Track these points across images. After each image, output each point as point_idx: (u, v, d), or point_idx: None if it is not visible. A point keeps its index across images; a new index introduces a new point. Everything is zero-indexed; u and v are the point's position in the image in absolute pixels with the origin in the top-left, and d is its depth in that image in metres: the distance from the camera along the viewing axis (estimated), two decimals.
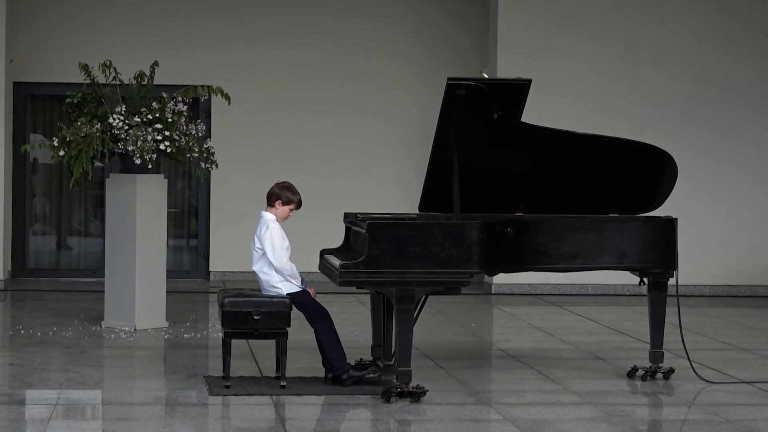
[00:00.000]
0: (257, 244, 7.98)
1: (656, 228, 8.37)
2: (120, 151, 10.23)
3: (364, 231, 7.72)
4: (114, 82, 10.45)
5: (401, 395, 7.56)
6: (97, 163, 10.69)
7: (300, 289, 7.97)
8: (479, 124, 8.15)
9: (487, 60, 14.06)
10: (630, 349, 9.71)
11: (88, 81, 10.44)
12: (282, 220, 8.03)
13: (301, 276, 8.03)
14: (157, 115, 10.25)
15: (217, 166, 10.76)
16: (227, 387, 7.81)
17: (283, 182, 8.14)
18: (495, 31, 13.66)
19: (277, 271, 7.90)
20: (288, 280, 7.93)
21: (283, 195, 8.01)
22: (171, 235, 13.16)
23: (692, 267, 12.65)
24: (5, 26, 13.08)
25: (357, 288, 8.10)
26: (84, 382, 8.16)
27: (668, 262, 8.36)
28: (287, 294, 7.92)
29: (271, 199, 8.03)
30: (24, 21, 13.94)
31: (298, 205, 8.08)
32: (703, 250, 13.48)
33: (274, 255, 7.88)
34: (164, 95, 10.41)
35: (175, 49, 14.01)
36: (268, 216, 8.00)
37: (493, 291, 13.51)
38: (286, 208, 8.02)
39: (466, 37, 14.59)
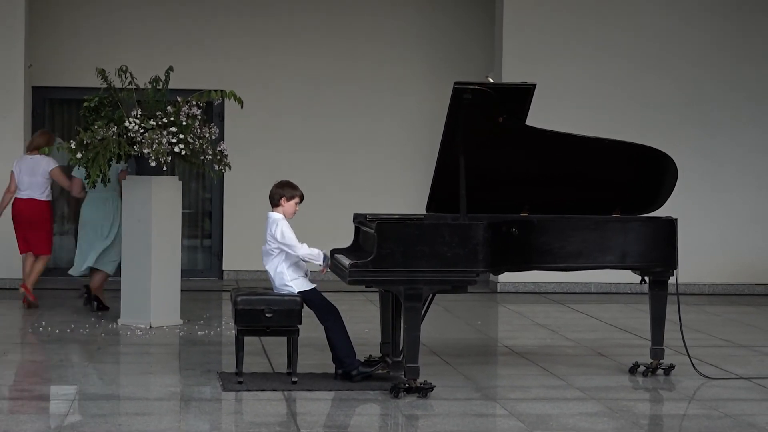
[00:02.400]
0: (269, 244, 8.06)
1: (657, 228, 8.37)
2: (136, 153, 10.25)
3: (373, 231, 7.73)
4: (130, 86, 10.48)
5: (409, 391, 7.61)
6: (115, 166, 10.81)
7: (311, 287, 8.05)
8: (485, 127, 8.16)
9: (492, 65, 14.09)
10: (631, 346, 9.72)
11: (105, 86, 10.48)
12: (290, 216, 8.10)
13: (323, 253, 8.04)
14: (172, 118, 10.29)
15: (230, 168, 10.80)
16: (240, 383, 7.87)
17: (280, 181, 8.20)
18: (500, 37, 13.68)
19: (301, 259, 8.00)
20: (311, 261, 7.98)
21: (285, 192, 8.08)
22: (185, 235, 13.20)
23: (692, 266, 12.63)
24: (25, 33, 13.16)
25: (366, 286, 8.07)
26: (101, 378, 8.20)
27: (669, 261, 8.36)
28: (298, 292, 7.98)
29: (275, 199, 8.09)
30: (43, 28, 14.00)
31: (301, 198, 8.13)
32: (702, 250, 13.50)
33: (292, 246, 7.94)
34: (179, 99, 10.46)
35: (190, 54, 14.06)
36: (276, 215, 8.07)
37: (498, 289, 13.53)
38: (291, 203, 8.07)
39: (472, 42, 14.63)
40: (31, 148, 11.77)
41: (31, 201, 11.67)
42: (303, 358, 8.36)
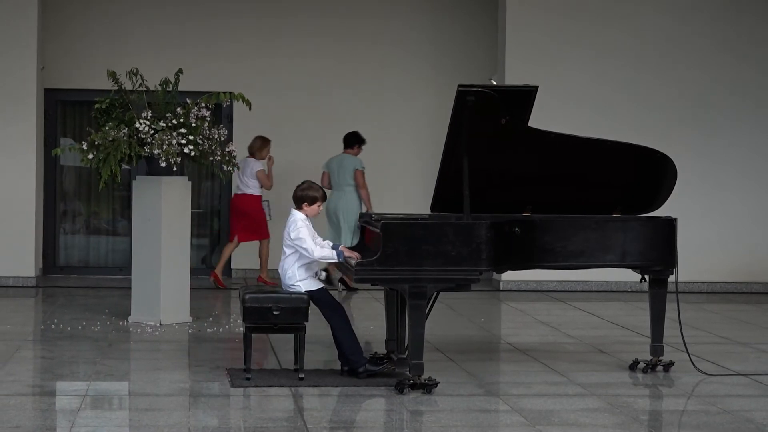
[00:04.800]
0: (285, 241, 8.14)
1: (657, 228, 8.43)
2: (146, 154, 10.30)
3: (378, 230, 7.79)
4: (140, 88, 10.50)
5: (414, 387, 7.68)
6: (125, 166, 10.73)
7: (319, 287, 8.13)
8: (488, 128, 8.20)
9: (496, 68, 14.16)
10: (632, 343, 9.78)
11: (116, 88, 10.49)
12: (313, 216, 8.20)
13: (333, 247, 8.09)
14: (182, 120, 10.34)
15: (238, 168, 10.87)
16: (248, 379, 7.95)
17: (302, 184, 8.28)
18: (504, 41, 13.72)
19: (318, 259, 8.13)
20: (327, 261, 8.16)
21: (306, 196, 8.17)
22: (195, 234, 13.22)
23: (691, 265, 12.74)
24: (37, 36, 13.23)
25: (372, 285, 8.13)
26: (112, 374, 8.25)
27: (668, 260, 8.42)
28: (305, 291, 8.05)
29: (299, 203, 8.17)
30: (55, 31, 14.06)
31: (323, 198, 8.22)
32: (701, 249, 13.55)
33: (307, 249, 8.00)
34: (188, 101, 10.50)
35: (199, 57, 14.11)
36: (298, 215, 8.15)
37: (501, 287, 13.55)
38: (314, 206, 8.17)
39: (476, 45, 14.68)
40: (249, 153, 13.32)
41: (245, 196, 13.32)
42: (310, 354, 8.46)
